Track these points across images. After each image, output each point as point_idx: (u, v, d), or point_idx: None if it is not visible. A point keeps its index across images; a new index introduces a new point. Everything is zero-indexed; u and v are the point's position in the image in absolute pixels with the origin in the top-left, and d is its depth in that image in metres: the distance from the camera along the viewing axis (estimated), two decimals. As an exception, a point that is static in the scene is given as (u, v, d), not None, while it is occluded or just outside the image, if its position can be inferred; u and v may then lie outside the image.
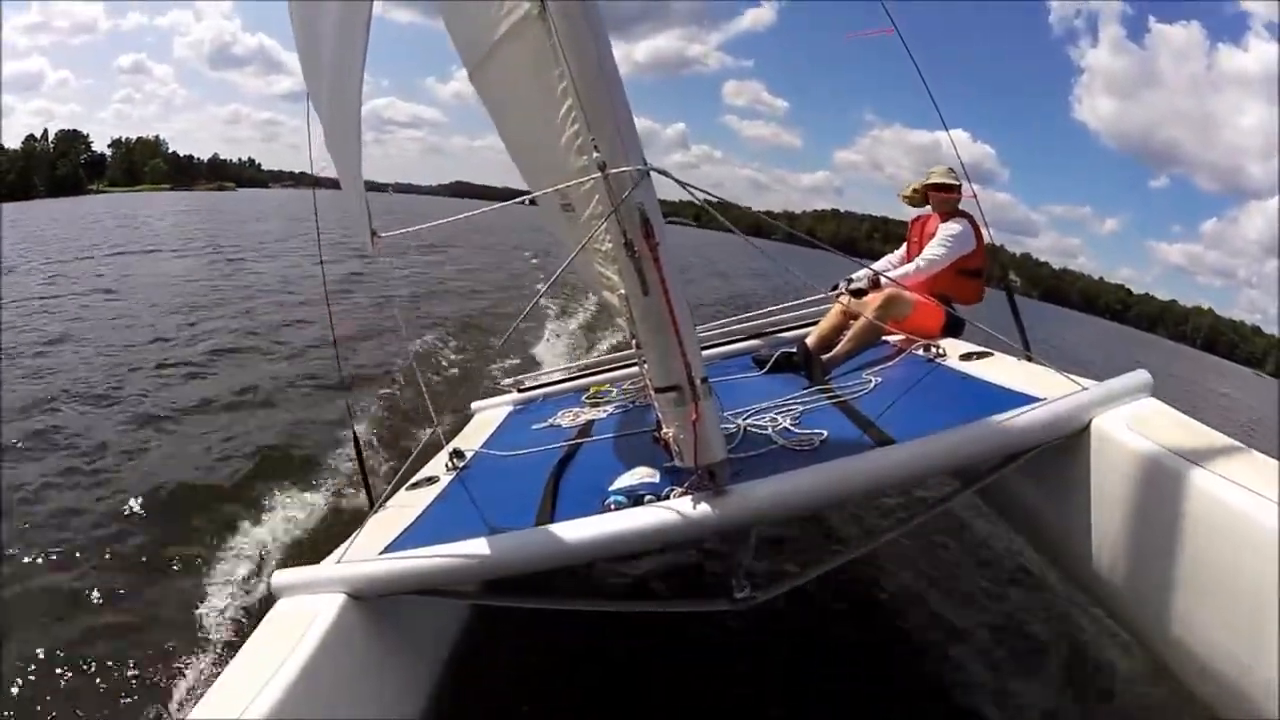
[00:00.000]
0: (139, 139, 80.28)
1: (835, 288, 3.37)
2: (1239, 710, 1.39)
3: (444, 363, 6.02)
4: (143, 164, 76.96)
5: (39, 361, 5.69)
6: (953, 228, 3.09)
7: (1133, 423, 1.71)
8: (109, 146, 76.09)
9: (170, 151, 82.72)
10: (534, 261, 13.63)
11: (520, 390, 3.79)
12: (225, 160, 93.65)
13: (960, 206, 3.20)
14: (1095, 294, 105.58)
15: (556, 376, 3.95)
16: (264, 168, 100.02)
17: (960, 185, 3.17)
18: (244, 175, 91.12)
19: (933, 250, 3.06)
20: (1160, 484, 1.55)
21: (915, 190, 3.30)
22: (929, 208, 3.31)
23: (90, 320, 7.34)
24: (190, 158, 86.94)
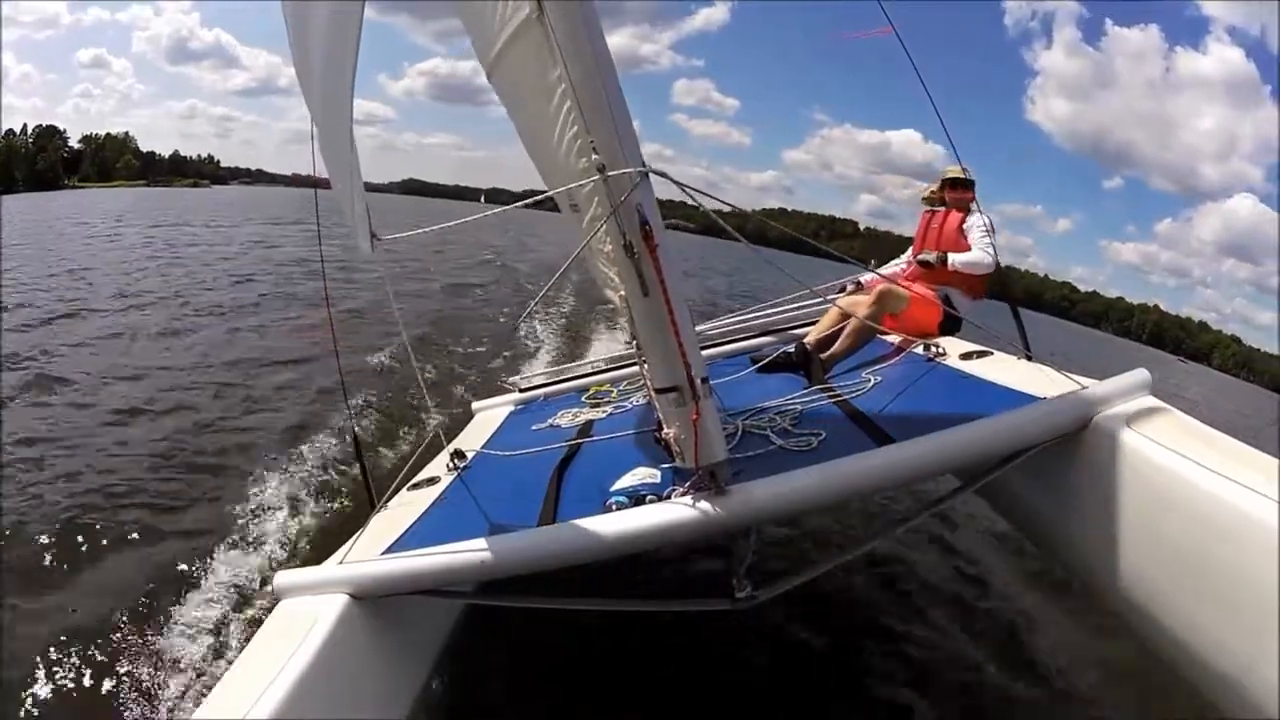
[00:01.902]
0: (108, 135, 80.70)
1: (843, 288, 3.39)
2: (1241, 707, 1.40)
3: (443, 363, 6.02)
4: (114, 160, 77.29)
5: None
6: (983, 220, 3.15)
7: (1132, 421, 1.71)
8: (79, 143, 76.50)
9: (134, 148, 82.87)
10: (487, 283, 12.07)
11: (521, 390, 3.80)
12: (186, 157, 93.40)
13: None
14: (1039, 291, 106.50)
15: (557, 376, 3.96)
16: (222, 164, 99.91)
17: (974, 183, 3.25)
18: (204, 171, 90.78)
19: (985, 240, 3.10)
20: (1160, 482, 1.56)
21: (934, 191, 3.40)
22: (936, 207, 3.36)
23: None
24: (152, 154, 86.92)
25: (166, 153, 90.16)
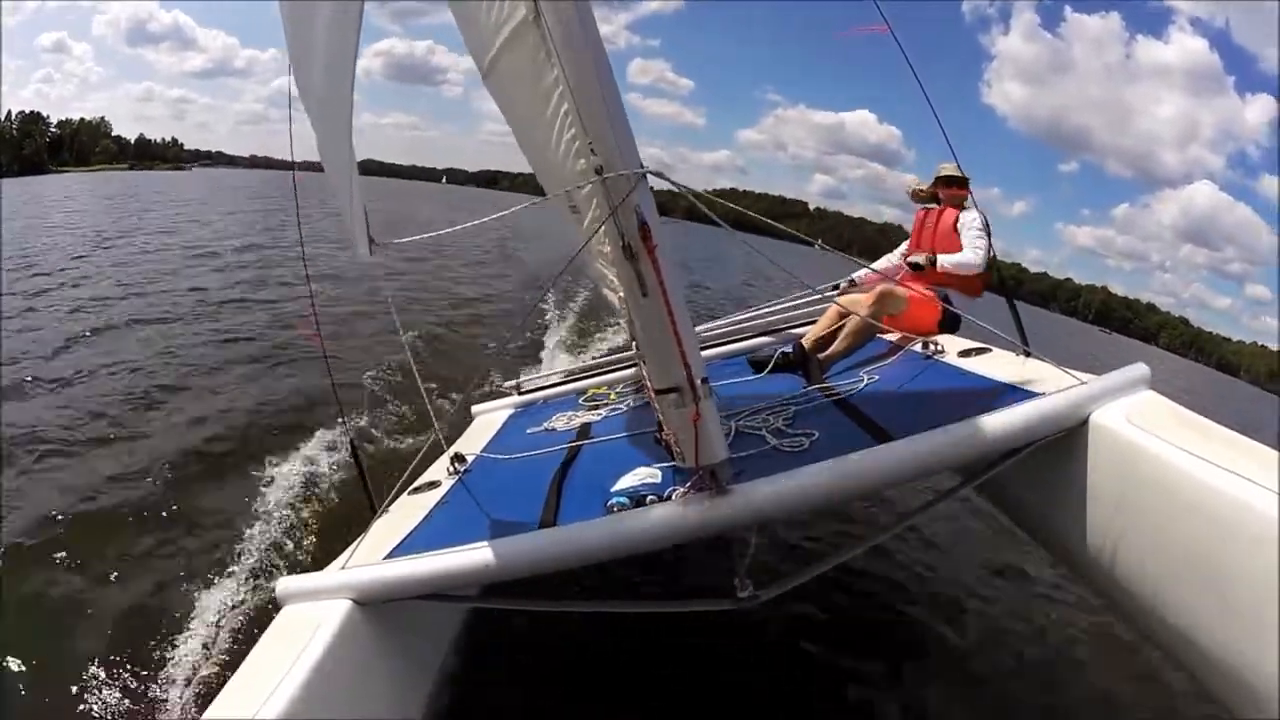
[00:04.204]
0: (82, 120, 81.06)
1: (837, 287, 3.39)
2: (1243, 701, 1.40)
3: (444, 365, 6.01)
4: (92, 145, 77.93)
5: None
6: (978, 218, 3.11)
7: (1131, 416, 1.72)
8: (55, 128, 76.48)
9: (108, 132, 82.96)
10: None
11: (520, 393, 3.79)
12: (150, 140, 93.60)
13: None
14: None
15: (557, 379, 3.95)
16: (185, 147, 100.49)
17: (969, 180, 3.23)
18: (169, 155, 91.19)
19: (979, 240, 3.06)
20: (1160, 476, 1.56)
21: (923, 189, 3.38)
22: (928, 204, 3.35)
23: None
24: (119, 138, 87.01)
25: (126, 135, 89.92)
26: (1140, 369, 1.87)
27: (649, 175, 1.47)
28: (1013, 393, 2.04)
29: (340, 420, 3.83)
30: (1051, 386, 1.93)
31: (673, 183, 1.61)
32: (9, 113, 69.90)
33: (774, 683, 2.35)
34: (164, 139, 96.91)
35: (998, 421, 1.77)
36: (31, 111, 73.20)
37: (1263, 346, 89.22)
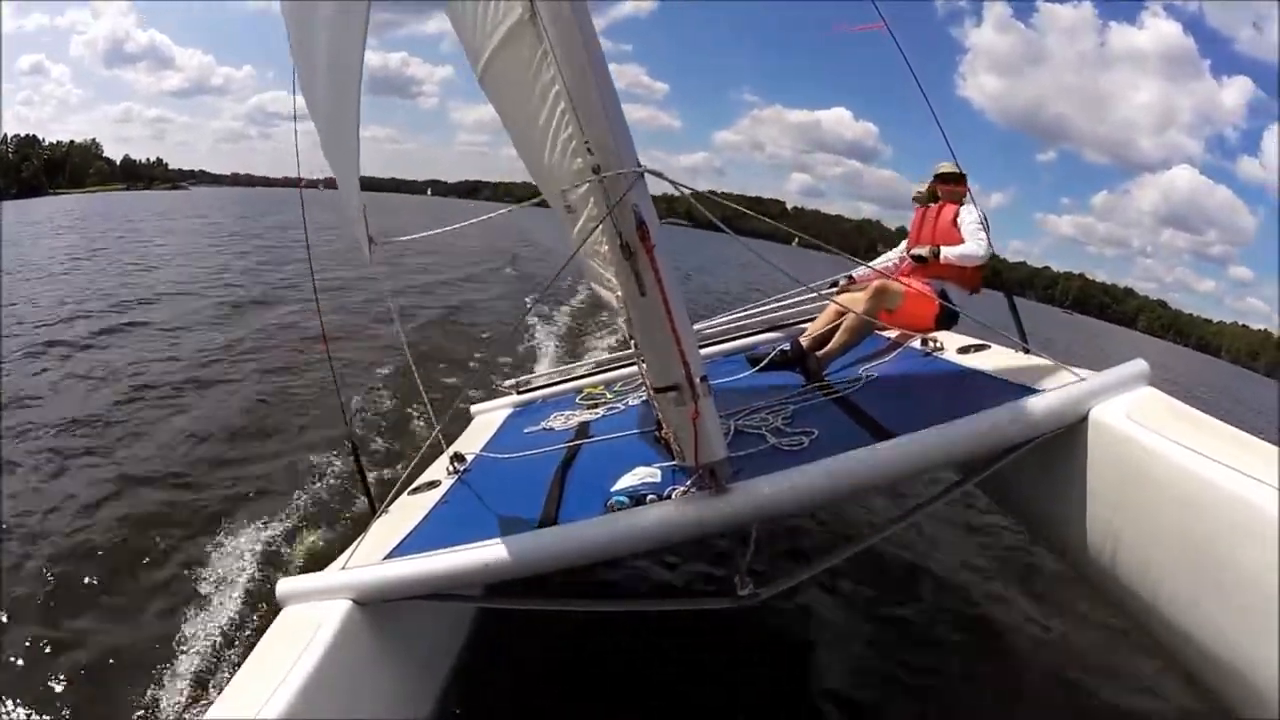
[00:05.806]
0: (72, 143, 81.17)
1: (836, 285, 3.39)
2: (1243, 698, 1.40)
3: (442, 364, 6.01)
4: (85, 167, 78.26)
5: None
6: (975, 212, 3.11)
7: (1131, 412, 1.72)
8: (47, 150, 75.87)
9: (98, 154, 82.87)
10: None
11: (519, 392, 3.79)
12: (135, 160, 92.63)
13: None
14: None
15: (556, 378, 3.95)
16: (170, 167, 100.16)
17: (966, 176, 3.23)
18: (155, 174, 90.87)
19: (980, 232, 3.04)
20: (1160, 472, 1.56)
21: (922, 190, 3.38)
22: (928, 203, 3.35)
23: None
24: (108, 159, 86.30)
25: (110, 156, 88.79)
26: (1140, 365, 1.87)
27: (646, 174, 1.47)
28: (1012, 389, 2.04)
29: (344, 420, 3.83)
30: (1051, 383, 1.93)
31: (671, 181, 1.61)
32: (5, 136, 69.86)
33: (774, 682, 2.35)
34: (148, 159, 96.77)
35: (998, 418, 1.77)
36: (28, 135, 73.52)
37: (1244, 326, 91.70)
